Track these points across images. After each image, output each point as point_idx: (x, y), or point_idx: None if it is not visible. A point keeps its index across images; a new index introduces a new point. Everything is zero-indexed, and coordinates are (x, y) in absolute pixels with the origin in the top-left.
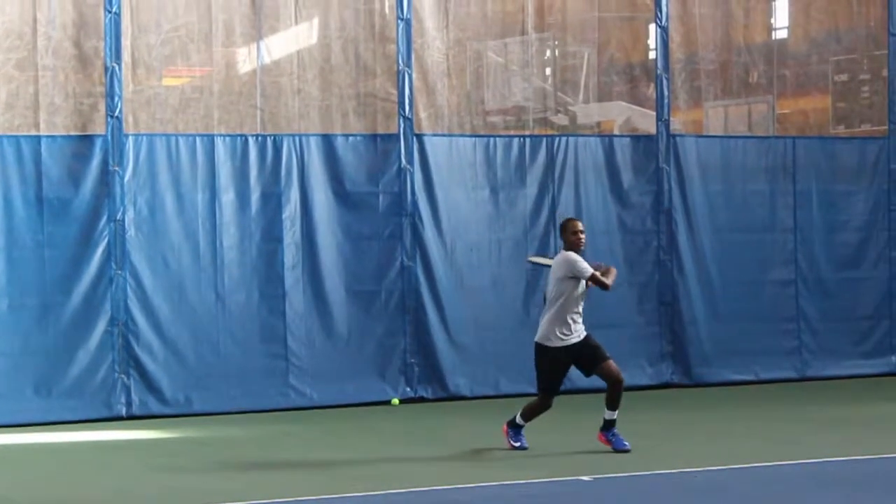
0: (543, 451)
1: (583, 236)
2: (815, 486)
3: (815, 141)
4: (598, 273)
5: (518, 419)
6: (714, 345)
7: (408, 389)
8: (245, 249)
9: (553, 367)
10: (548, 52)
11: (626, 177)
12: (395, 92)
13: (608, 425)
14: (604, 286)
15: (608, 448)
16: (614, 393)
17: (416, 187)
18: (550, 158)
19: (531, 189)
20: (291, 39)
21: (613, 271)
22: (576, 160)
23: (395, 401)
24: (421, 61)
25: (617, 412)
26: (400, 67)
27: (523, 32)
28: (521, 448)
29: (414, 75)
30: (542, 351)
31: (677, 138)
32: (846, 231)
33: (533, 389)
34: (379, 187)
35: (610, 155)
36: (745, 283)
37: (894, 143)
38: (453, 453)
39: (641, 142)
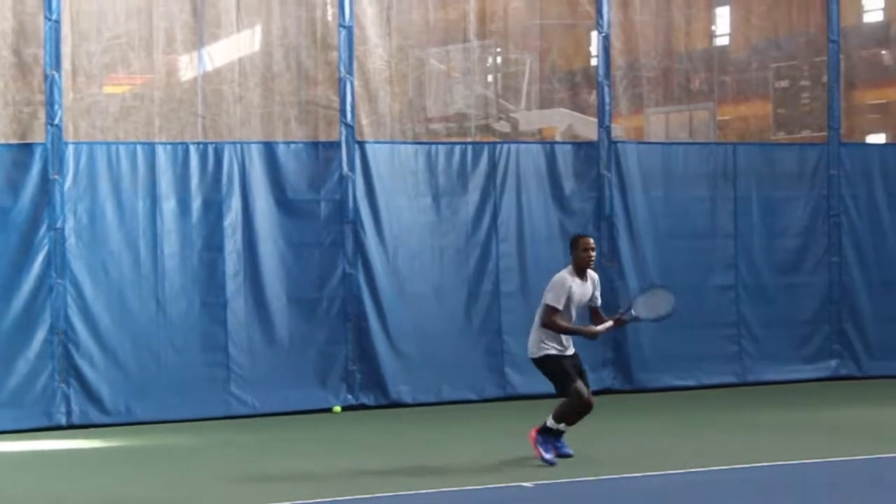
0: (487, 458)
1: (593, 254)
2: (753, 492)
3: (755, 147)
4: (554, 316)
5: (556, 425)
6: (655, 350)
7: (349, 397)
8: (186, 257)
9: (563, 366)
10: (490, 60)
11: (568, 183)
12: (336, 99)
13: (553, 433)
14: (557, 331)
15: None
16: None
17: (357, 195)
18: (492, 165)
19: (473, 196)
20: (233, 47)
21: (591, 330)
22: (517, 167)
23: (337, 408)
24: (363, 69)
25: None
26: (342, 75)
27: (465, 40)
28: (566, 455)
29: (356, 83)
30: (541, 361)
31: (619, 145)
32: (786, 237)
33: (476, 396)
34: (320, 195)
35: (552, 162)
36: (686, 289)
37: (834, 150)
38: (395, 461)
39: (583, 148)
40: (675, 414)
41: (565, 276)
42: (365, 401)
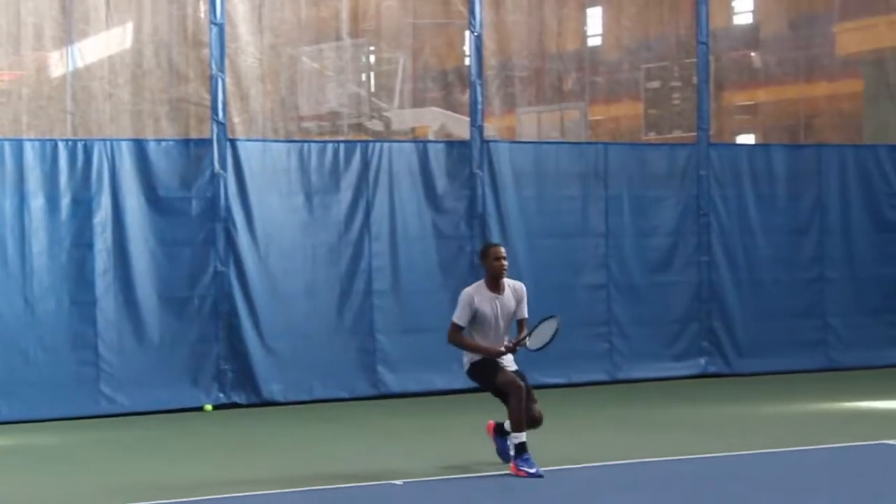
0: (358, 456)
1: (505, 262)
2: (618, 489)
3: (626, 147)
4: (456, 333)
5: (519, 437)
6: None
7: (221, 395)
8: (55, 255)
9: (488, 367)
10: (363, 58)
11: (441, 182)
12: (208, 97)
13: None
14: (459, 346)
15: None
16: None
17: (229, 193)
18: (365, 164)
19: (345, 195)
20: (103, 44)
21: (493, 349)
22: (390, 166)
23: (209, 407)
24: (234, 66)
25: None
26: (213, 72)
27: (338, 38)
28: (538, 475)
29: (227, 80)
30: (473, 368)
31: (491, 144)
32: (657, 236)
33: (348, 394)
34: (192, 192)
35: (424, 160)
36: (558, 288)
37: (703, 150)
38: (266, 460)
39: (455, 147)
40: (546, 412)
41: (471, 291)
42: (237, 399)
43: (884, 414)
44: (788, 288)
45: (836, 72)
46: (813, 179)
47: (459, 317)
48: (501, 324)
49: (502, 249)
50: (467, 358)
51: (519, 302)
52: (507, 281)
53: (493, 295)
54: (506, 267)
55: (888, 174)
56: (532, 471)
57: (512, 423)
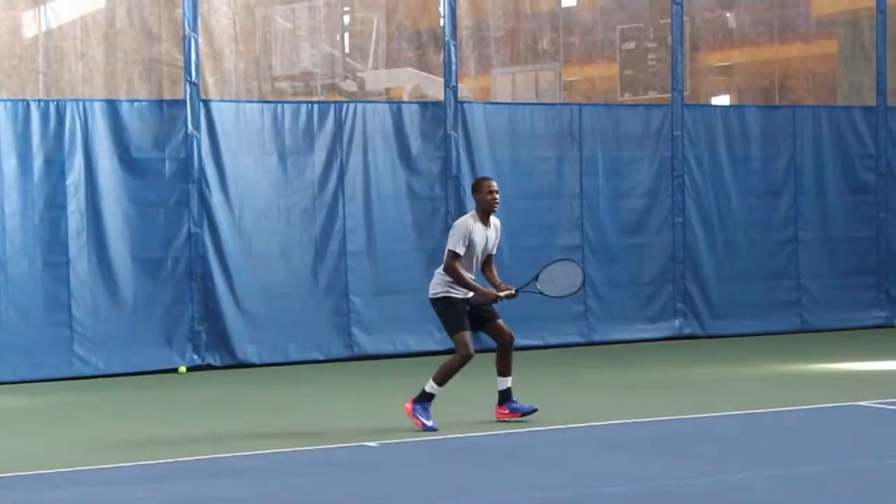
0: (332, 417)
1: (497, 196)
2: (601, 449)
3: (601, 108)
4: (454, 261)
5: (436, 390)
6: (500, 310)
7: (195, 357)
8: (28, 217)
9: (457, 311)
10: (336, 19)
11: (415, 143)
12: (181, 57)
13: (506, 396)
14: (454, 277)
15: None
16: (507, 355)
17: (202, 153)
18: (339, 125)
19: (319, 155)
20: (76, 4)
21: (490, 293)
22: (364, 127)
23: (183, 368)
24: (207, 26)
25: (511, 378)
26: (186, 32)
27: None
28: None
29: (200, 40)
30: (443, 301)
31: (465, 105)
32: (631, 197)
33: (322, 355)
34: (165, 153)
35: (398, 121)
36: (532, 249)
37: (678, 111)
38: (240, 421)
39: (430, 108)
40: (520, 374)
41: (468, 220)
42: (211, 361)
43: (857, 375)
44: (762, 249)
45: (810, 33)
46: (787, 141)
47: (456, 244)
48: (481, 257)
49: (495, 183)
50: (442, 288)
51: (497, 238)
52: None
53: (483, 227)
54: (498, 201)
55: (862, 135)
56: (429, 424)
57: (439, 374)
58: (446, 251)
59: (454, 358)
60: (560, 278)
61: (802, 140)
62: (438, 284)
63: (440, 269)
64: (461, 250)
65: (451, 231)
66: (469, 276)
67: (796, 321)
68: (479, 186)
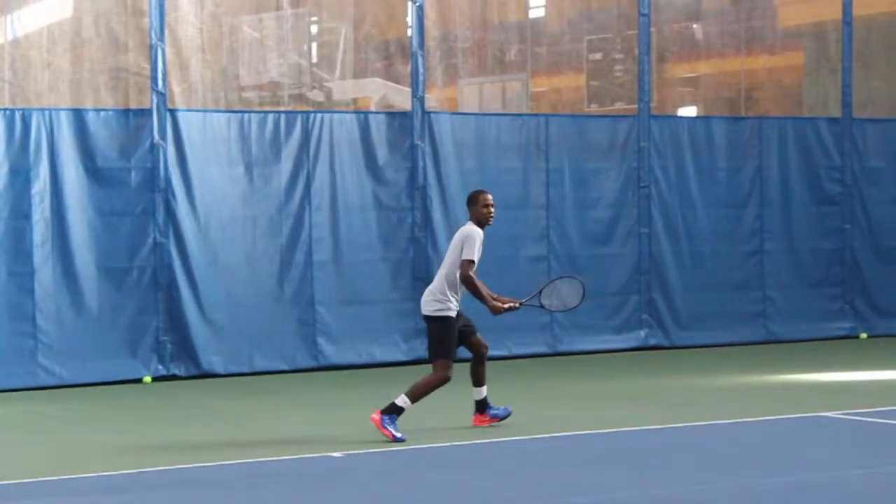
0: (297, 428)
1: (493, 209)
2: (563, 460)
3: (567, 119)
4: (471, 270)
5: (407, 404)
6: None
7: (160, 367)
8: None
9: (453, 335)
10: (304, 28)
11: (382, 153)
12: (147, 66)
13: (484, 405)
14: (475, 294)
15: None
16: (482, 365)
17: (169, 163)
18: (306, 135)
19: (286, 165)
20: (42, 12)
21: (496, 305)
22: (331, 136)
23: (148, 379)
24: (174, 36)
25: (486, 387)
26: (153, 42)
27: (279, 8)
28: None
29: (167, 50)
30: (444, 321)
31: (432, 115)
32: (598, 208)
33: (288, 366)
34: (131, 163)
35: (365, 131)
36: (498, 260)
37: (644, 122)
38: (204, 432)
39: (397, 118)
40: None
41: (476, 229)
42: (176, 371)
43: (821, 386)
44: (728, 260)
45: (777, 44)
46: (753, 152)
47: (472, 253)
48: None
49: (491, 196)
50: (442, 305)
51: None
52: None
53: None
54: (493, 214)
55: (828, 147)
56: (398, 435)
57: (415, 391)
58: (461, 261)
59: (433, 379)
60: (563, 294)
61: (768, 151)
62: (437, 301)
63: (440, 282)
64: (476, 258)
65: (461, 239)
66: (483, 287)
67: (761, 332)
68: (475, 199)
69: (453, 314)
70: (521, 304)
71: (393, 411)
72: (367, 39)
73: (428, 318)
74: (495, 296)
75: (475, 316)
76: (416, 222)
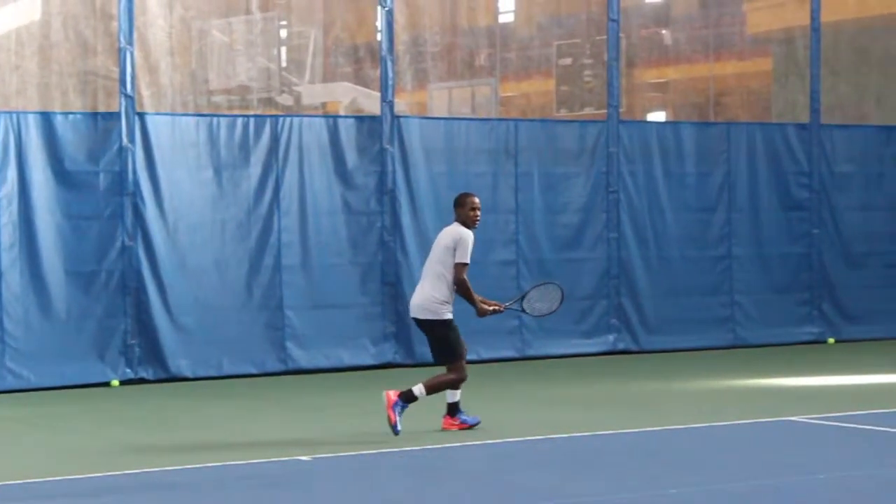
0: (266, 432)
1: (479, 213)
2: (530, 464)
3: (537, 123)
4: (465, 273)
5: (419, 391)
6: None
7: (128, 371)
8: None
9: (459, 334)
10: (273, 32)
11: (351, 157)
12: (116, 70)
13: (456, 408)
14: (466, 297)
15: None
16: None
17: (137, 167)
18: (275, 139)
19: (255, 169)
20: (10, 15)
21: (483, 308)
22: (300, 141)
23: (115, 382)
24: (143, 39)
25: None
26: (122, 45)
27: (248, 12)
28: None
29: (136, 53)
30: (446, 324)
31: (402, 119)
32: (566, 213)
33: (256, 370)
34: (99, 166)
35: (334, 136)
36: None
37: (613, 127)
38: (172, 436)
39: (366, 123)
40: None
41: (468, 230)
42: (144, 375)
43: (789, 391)
44: (696, 265)
45: (745, 50)
46: (722, 157)
47: (467, 256)
48: None
49: (478, 200)
50: (444, 308)
51: None
52: None
53: None
54: (479, 217)
55: (796, 152)
56: (398, 424)
57: (432, 385)
58: (457, 264)
59: (451, 378)
60: (544, 299)
61: (737, 157)
62: (437, 304)
63: (433, 286)
64: (469, 261)
65: (460, 240)
66: (471, 289)
67: (730, 337)
68: (462, 202)
69: (452, 315)
70: (504, 307)
71: (409, 399)
72: (336, 44)
73: (428, 323)
74: (481, 298)
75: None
76: (385, 226)
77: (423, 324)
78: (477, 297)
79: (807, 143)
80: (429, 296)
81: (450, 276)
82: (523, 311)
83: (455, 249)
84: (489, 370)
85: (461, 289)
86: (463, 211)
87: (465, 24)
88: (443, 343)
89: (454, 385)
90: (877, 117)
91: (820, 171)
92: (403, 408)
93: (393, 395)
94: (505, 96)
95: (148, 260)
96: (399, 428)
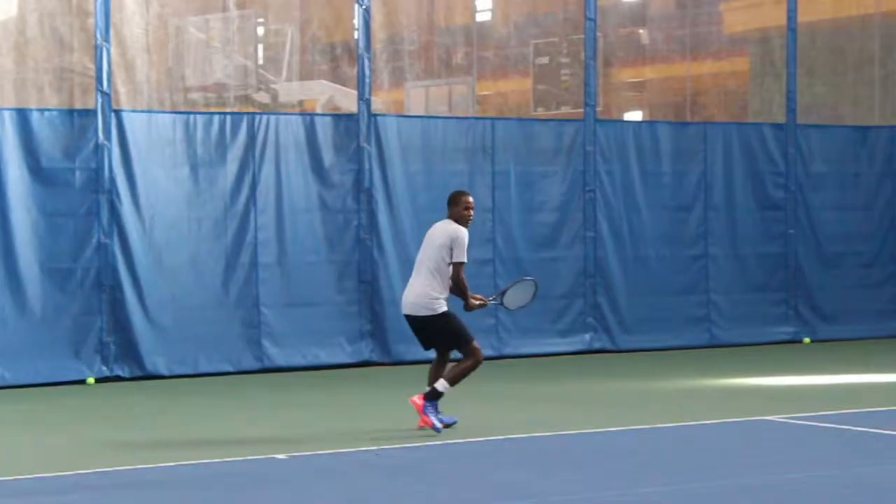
0: (241, 430)
1: (473, 212)
2: (506, 462)
3: (513, 122)
4: (464, 279)
5: (447, 389)
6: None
7: (104, 368)
8: None
9: (459, 319)
10: (250, 30)
11: (328, 156)
12: (92, 66)
13: (436, 395)
14: (461, 293)
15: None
16: (444, 368)
17: (113, 164)
18: (251, 136)
19: (231, 167)
20: None
21: (472, 303)
22: (277, 138)
23: (91, 380)
24: (120, 36)
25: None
26: (98, 42)
27: (225, 9)
28: (452, 423)
29: (112, 50)
30: (445, 316)
31: (378, 118)
32: (543, 211)
33: (232, 368)
34: (76, 163)
35: (311, 133)
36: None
37: (590, 126)
38: (148, 433)
39: (343, 121)
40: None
41: (464, 228)
42: (120, 372)
43: (764, 390)
44: (673, 264)
45: (722, 50)
46: (698, 156)
47: (465, 255)
48: None
49: (472, 198)
50: (439, 302)
51: None
52: None
53: None
54: (472, 216)
55: (772, 152)
56: (438, 424)
57: (453, 377)
58: (456, 264)
59: (469, 364)
60: (519, 293)
61: (713, 156)
62: (432, 300)
63: (426, 283)
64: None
65: (457, 238)
66: (468, 290)
67: (705, 336)
68: (456, 200)
69: (447, 306)
70: (488, 302)
71: (435, 397)
72: (313, 41)
73: (424, 320)
74: (469, 293)
75: None
76: (361, 225)
77: (418, 321)
78: (470, 299)
79: (783, 142)
80: (423, 292)
81: (443, 272)
82: (503, 304)
83: (451, 248)
84: None
85: (458, 286)
86: (457, 209)
87: (442, 22)
88: (447, 333)
89: (473, 369)
90: (853, 117)
91: (796, 170)
92: (434, 406)
93: (418, 399)
94: (482, 95)
95: (124, 257)
96: (439, 426)
